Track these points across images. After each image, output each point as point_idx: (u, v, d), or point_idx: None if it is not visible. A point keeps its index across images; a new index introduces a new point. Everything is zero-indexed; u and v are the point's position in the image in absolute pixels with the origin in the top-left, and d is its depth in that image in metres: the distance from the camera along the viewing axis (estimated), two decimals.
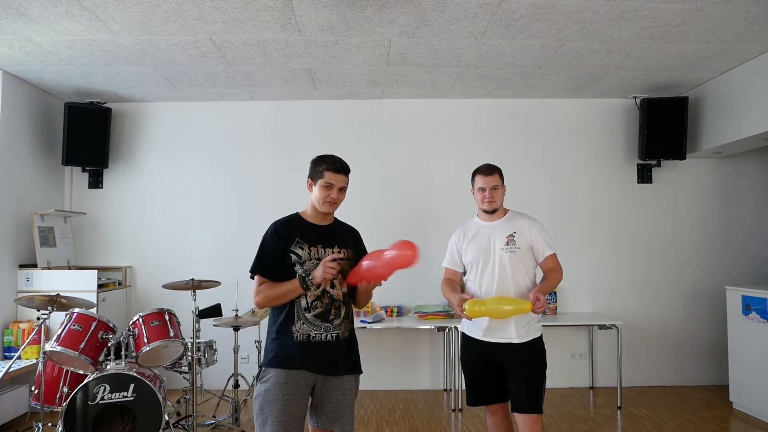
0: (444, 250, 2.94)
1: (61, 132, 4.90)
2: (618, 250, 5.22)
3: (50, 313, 3.47)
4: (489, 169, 2.79)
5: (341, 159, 2.42)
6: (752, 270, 5.20)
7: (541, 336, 2.75)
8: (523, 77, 4.68)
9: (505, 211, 2.85)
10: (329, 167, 2.36)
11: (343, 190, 2.39)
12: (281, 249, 2.31)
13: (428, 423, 4.23)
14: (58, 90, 4.88)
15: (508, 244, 2.72)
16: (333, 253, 2.34)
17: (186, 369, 3.95)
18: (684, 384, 5.14)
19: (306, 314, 2.27)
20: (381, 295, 4.95)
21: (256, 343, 4.44)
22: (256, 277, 2.34)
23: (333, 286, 2.31)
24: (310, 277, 2.23)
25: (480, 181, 2.79)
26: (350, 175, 2.45)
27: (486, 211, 2.81)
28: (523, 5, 3.32)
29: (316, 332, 2.27)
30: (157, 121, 5.28)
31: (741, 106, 4.38)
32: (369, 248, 2.55)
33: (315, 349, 2.27)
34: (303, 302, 2.28)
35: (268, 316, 2.45)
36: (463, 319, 2.84)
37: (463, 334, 2.86)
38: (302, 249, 2.31)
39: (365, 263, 2.29)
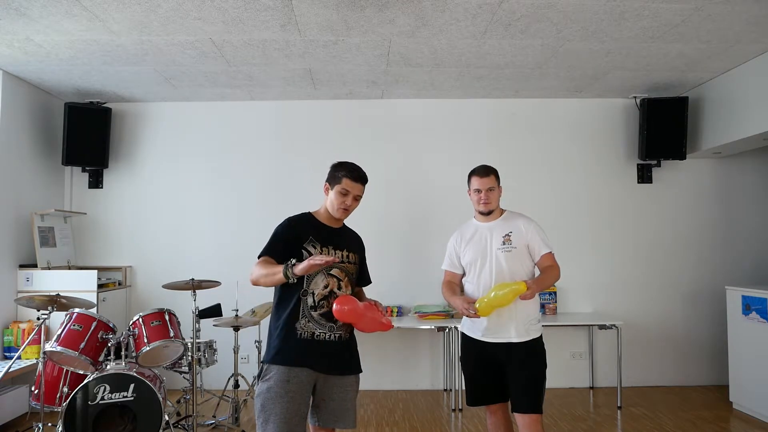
0: (443, 251, 2.94)
1: (61, 132, 4.90)
2: (618, 249, 5.22)
3: (50, 313, 3.47)
4: (485, 171, 2.80)
5: (361, 168, 2.43)
6: (752, 270, 5.20)
7: (541, 336, 2.75)
8: (523, 77, 4.68)
9: (502, 211, 2.85)
10: (348, 175, 2.38)
11: (357, 198, 2.41)
12: (292, 242, 2.32)
13: (428, 423, 4.23)
14: (58, 90, 4.88)
15: (504, 243, 2.73)
16: (342, 255, 2.37)
17: (186, 369, 3.94)
18: (684, 384, 5.14)
19: (312, 312, 2.28)
20: (381, 296, 4.94)
21: (256, 343, 4.44)
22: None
23: (339, 288, 2.34)
24: (292, 264, 2.17)
25: (476, 182, 2.79)
26: None
27: (482, 213, 2.82)
28: (523, 5, 3.32)
29: (320, 331, 2.29)
30: (157, 121, 5.28)
31: (741, 106, 4.38)
32: (368, 251, 2.59)
33: (318, 348, 2.28)
34: (310, 300, 2.29)
35: (268, 315, 2.46)
36: (463, 319, 2.85)
37: (463, 334, 2.86)
38: (315, 248, 2.33)
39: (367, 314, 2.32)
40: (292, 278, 2.19)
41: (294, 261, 2.18)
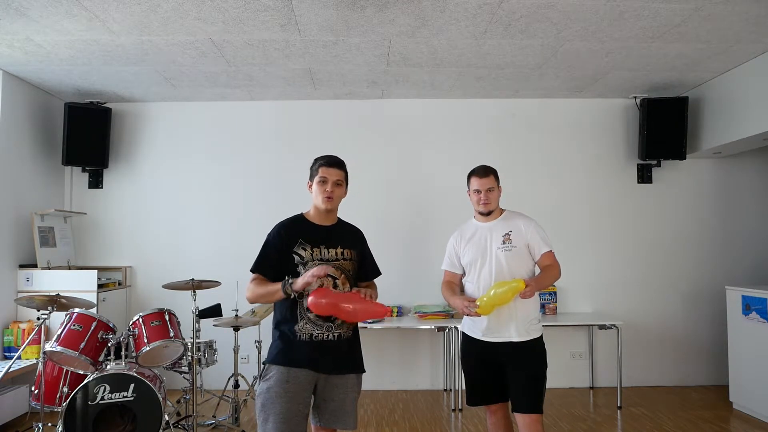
0: (443, 251, 2.94)
1: (61, 132, 4.90)
2: (618, 250, 5.22)
3: (50, 313, 3.47)
4: (484, 171, 2.80)
5: (335, 155, 2.48)
6: (752, 270, 5.20)
7: (541, 336, 2.75)
8: (523, 77, 4.68)
9: (501, 211, 2.85)
10: (322, 163, 2.43)
11: (339, 184, 2.41)
12: (283, 250, 2.32)
13: (428, 423, 4.23)
14: (58, 90, 4.88)
15: (504, 243, 2.73)
16: (337, 253, 2.36)
17: (186, 369, 3.94)
18: (684, 384, 5.14)
19: (308, 314, 2.28)
20: (381, 295, 4.94)
21: (256, 343, 4.44)
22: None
23: (336, 286, 2.32)
24: (290, 282, 2.22)
25: (475, 183, 2.79)
26: (350, 176, 2.49)
27: (481, 213, 2.82)
28: (523, 5, 3.33)
29: (318, 332, 2.29)
30: (157, 121, 5.28)
31: (741, 106, 4.38)
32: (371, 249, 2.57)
33: (317, 348, 2.28)
34: (305, 302, 2.28)
35: (268, 315, 2.46)
36: (464, 319, 2.85)
37: (464, 334, 2.86)
38: (305, 250, 2.33)
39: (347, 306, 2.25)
40: (293, 295, 2.24)
41: (291, 279, 2.23)
